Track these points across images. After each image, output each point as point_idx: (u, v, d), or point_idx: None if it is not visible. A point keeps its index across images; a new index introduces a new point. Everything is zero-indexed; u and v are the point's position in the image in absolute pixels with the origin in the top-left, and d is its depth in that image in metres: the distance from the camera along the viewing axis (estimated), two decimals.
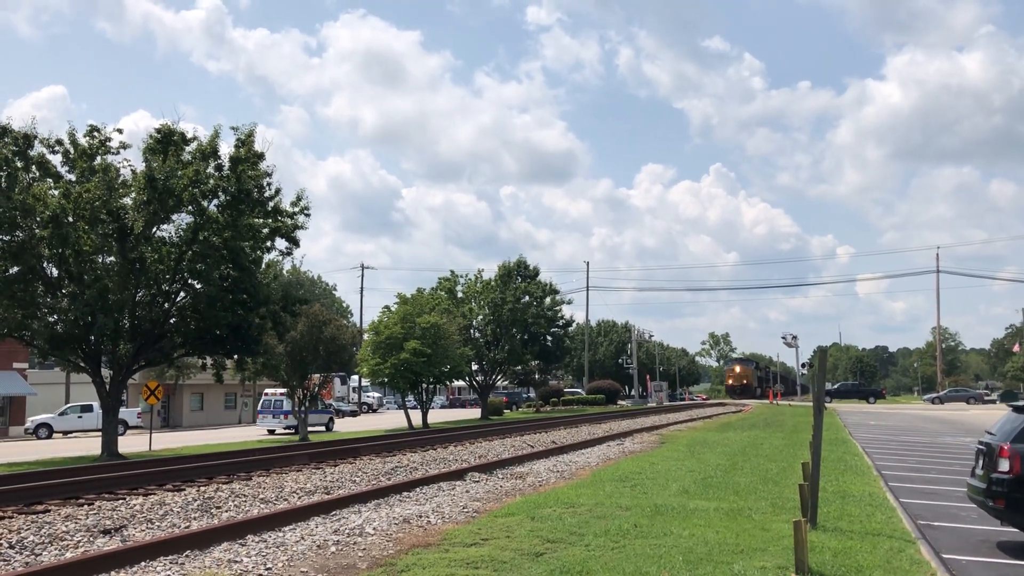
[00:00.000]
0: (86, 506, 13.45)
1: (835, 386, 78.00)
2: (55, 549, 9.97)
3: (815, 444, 10.89)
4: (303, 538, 9.98)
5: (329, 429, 42.77)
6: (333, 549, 9.35)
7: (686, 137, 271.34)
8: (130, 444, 31.99)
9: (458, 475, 16.61)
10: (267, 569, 8.39)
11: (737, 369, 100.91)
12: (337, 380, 68.88)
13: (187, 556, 9.09)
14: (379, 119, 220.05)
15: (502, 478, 16.46)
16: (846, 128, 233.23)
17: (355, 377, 69.71)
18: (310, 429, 37.10)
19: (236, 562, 8.71)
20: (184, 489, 15.59)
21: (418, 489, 14.79)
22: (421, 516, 11.46)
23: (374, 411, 76.20)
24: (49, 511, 13.03)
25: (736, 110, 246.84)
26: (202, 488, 15.52)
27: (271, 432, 41.53)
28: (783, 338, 75.38)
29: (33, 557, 9.59)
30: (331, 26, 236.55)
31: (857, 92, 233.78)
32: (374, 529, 10.47)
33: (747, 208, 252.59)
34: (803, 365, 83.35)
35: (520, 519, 10.92)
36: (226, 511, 12.81)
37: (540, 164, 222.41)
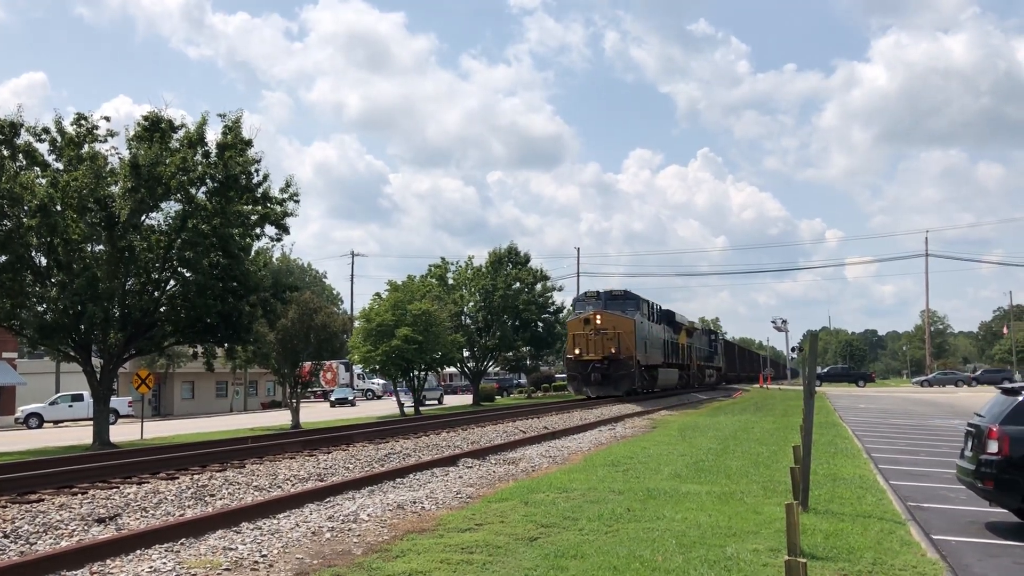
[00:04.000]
0: (80, 495, 13.42)
1: (825, 370, 78.12)
2: (50, 538, 9.97)
3: (806, 427, 10.97)
4: (298, 525, 10.00)
5: (440, 403, 51.42)
6: (328, 535, 9.38)
7: (673, 122, 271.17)
8: (121, 433, 31.94)
9: (451, 461, 16.66)
10: (262, 556, 8.41)
11: (598, 320, 38.12)
12: (341, 367, 68.41)
13: (182, 544, 9.10)
14: (364, 104, 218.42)
15: (495, 464, 16.53)
16: (833, 111, 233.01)
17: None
18: (428, 402, 45.37)
19: (231, 549, 8.72)
20: (178, 477, 15.58)
21: (411, 475, 14.82)
22: (415, 502, 11.50)
23: (378, 398, 72.83)
24: (43, 500, 13.01)
25: (723, 94, 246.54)
26: (196, 476, 15.51)
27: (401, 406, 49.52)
28: (773, 322, 75.81)
29: (28, 546, 9.59)
30: (312, 9, 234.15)
31: (844, 75, 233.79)
32: (368, 515, 10.50)
33: (735, 192, 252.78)
34: (793, 349, 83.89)
35: (514, 504, 10.98)
36: (220, 499, 12.82)
37: (528, 149, 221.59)
